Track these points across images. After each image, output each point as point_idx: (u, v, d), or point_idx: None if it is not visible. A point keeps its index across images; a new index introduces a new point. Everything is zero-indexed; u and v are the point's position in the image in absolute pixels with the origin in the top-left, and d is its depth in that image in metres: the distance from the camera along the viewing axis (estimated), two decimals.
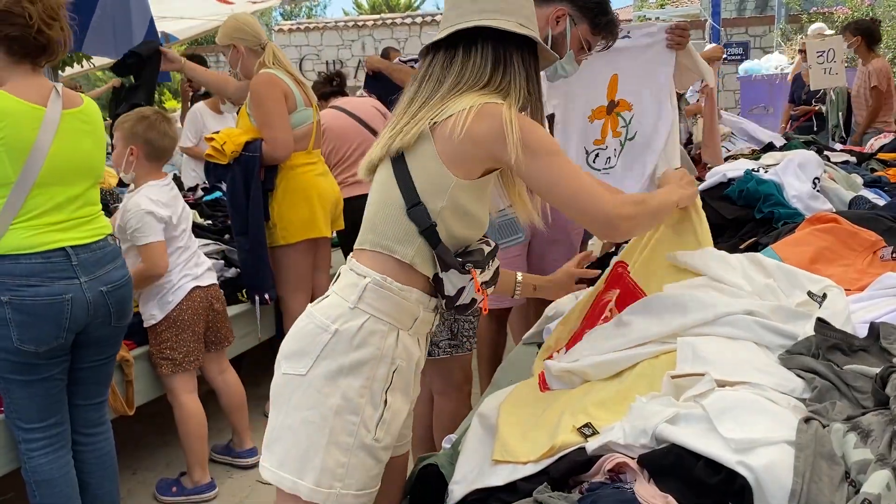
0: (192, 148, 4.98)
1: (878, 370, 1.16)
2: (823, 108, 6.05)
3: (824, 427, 1.08)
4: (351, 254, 1.48)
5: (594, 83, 2.63)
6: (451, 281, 1.40)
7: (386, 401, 1.38)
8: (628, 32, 2.62)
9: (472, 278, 1.40)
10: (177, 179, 4.82)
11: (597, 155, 2.81)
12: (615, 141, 2.76)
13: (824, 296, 1.44)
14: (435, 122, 1.38)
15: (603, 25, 2.25)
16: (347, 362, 1.36)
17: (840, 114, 6.14)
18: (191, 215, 3.07)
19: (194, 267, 2.98)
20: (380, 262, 1.41)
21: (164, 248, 2.83)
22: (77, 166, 2.29)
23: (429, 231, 1.38)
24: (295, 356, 1.41)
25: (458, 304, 1.43)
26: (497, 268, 1.50)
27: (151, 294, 2.89)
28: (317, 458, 1.34)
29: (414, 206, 1.39)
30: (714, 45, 4.70)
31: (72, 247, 2.24)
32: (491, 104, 1.37)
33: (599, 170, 2.76)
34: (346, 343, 1.37)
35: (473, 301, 1.44)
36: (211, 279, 3.06)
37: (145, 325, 2.92)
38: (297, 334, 1.44)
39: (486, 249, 1.46)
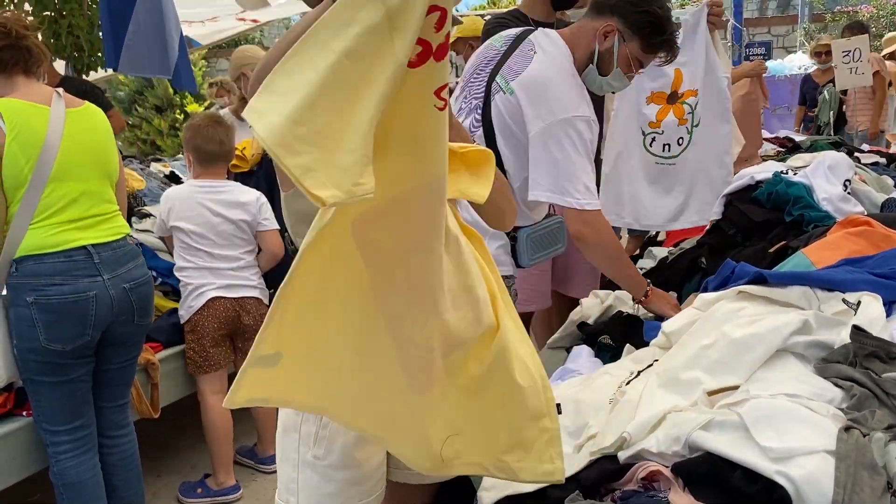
0: None
1: None
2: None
3: (865, 436, 1.05)
4: None
5: (654, 68, 2.52)
6: None
7: (322, 417, 1.34)
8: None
9: None
10: None
11: (653, 139, 2.81)
12: (681, 129, 2.75)
13: (859, 303, 1.40)
14: None
15: (657, 45, 2.08)
16: None
17: (832, 112, 6.07)
18: (239, 226, 3.00)
19: (224, 277, 2.96)
20: None
21: (168, 244, 3.01)
22: (88, 160, 2.32)
23: None
24: None
25: None
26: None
27: (183, 291, 2.98)
28: (280, 471, 1.39)
29: None
30: (757, 60, 4.66)
31: (93, 245, 2.27)
32: None
33: (657, 156, 2.74)
34: None
35: None
36: (246, 292, 3.01)
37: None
38: None
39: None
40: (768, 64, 9.45)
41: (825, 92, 5.77)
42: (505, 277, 2.19)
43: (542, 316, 2.92)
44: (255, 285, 3.05)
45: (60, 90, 2.33)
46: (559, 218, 2.16)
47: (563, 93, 2.02)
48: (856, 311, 1.41)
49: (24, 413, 2.42)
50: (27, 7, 3.91)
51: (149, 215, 3.45)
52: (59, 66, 4.20)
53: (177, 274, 2.99)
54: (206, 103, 11.02)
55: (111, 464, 2.52)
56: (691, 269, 2.35)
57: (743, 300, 1.53)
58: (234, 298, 2.97)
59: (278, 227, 3.06)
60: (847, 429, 1.06)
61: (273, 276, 3.41)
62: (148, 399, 2.82)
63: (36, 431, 2.39)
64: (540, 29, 2.21)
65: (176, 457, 3.44)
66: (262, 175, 3.35)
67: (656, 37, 2.05)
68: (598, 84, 2.13)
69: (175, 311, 3.03)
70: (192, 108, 11.99)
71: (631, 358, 1.68)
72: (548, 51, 2.09)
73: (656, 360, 1.48)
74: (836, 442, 1.02)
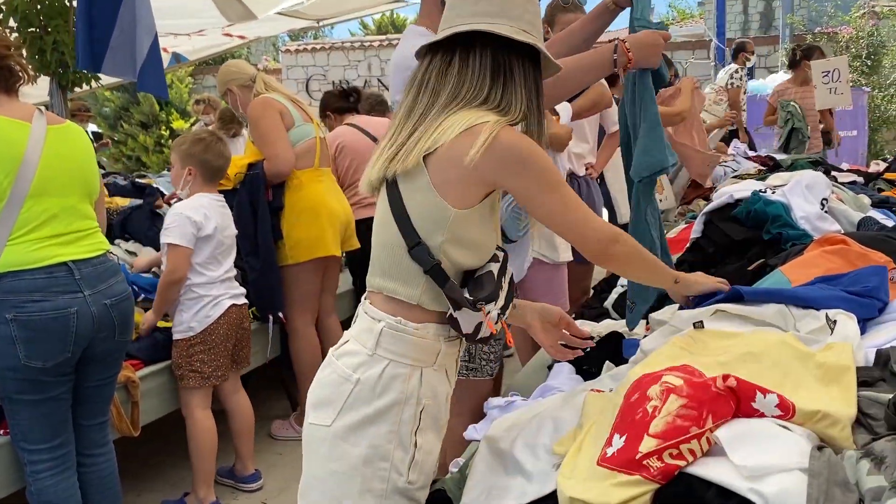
0: None
1: (890, 396, 1.15)
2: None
3: (837, 454, 1.06)
4: (364, 295, 1.45)
5: None
6: (466, 319, 1.35)
7: (416, 442, 1.35)
8: None
9: (485, 315, 1.34)
10: None
11: None
12: None
13: (835, 321, 1.42)
14: (428, 151, 1.32)
15: None
16: (372, 411, 1.33)
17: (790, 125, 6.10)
18: (233, 241, 3.09)
19: (231, 287, 3.04)
20: (391, 305, 1.37)
21: (187, 256, 2.87)
22: (69, 177, 2.31)
23: (434, 270, 1.32)
24: (321, 406, 1.39)
25: (478, 338, 1.38)
26: (510, 283, 1.43)
27: (188, 306, 2.92)
28: None
29: (414, 245, 1.33)
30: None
31: (73, 261, 2.26)
32: (486, 124, 1.29)
33: None
34: (369, 392, 1.34)
35: (493, 333, 1.38)
36: (244, 300, 3.12)
37: (176, 337, 2.95)
38: (320, 382, 1.41)
39: (496, 269, 1.38)
40: (750, 84, 9.60)
41: (788, 108, 5.81)
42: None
43: (525, 333, 2.91)
44: (243, 292, 3.14)
45: (42, 108, 2.33)
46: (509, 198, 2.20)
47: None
48: (832, 329, 1.43)
49: (1, 431, 2.39)
50: (12, 23, 3.90)
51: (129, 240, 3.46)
52: (44, 82, 4.18)
53: (189, 288, 2.90)
54: (191, 120, 11.03)
55: (90, 483, 2.48)
56: None
57: (721, 319, 1.55)
58: (240, 306, 3.07)
59: None
60: (820, 447, 1.07)
61: (257, 296, 3.42)
62: (128, 417, 2.79)
63: (11, 451, 2.36)
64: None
65: (156, 475, 3.40)
66: (245, 192, 3.37)
67: None
68: None
69: (156, 328, 3.00)
70: (178, 124, 11.98)
71: (610, 375, 1.69)
72: (398, 48, 2.13)
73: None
74: (808, 460, 1.03)
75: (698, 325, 1.49)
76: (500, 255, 1.42)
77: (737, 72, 7.07)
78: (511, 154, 1.29)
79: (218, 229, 2.93)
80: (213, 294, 2.94)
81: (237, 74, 3.59)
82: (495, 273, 1.38)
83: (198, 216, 2.87)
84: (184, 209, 2.88)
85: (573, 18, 2.78)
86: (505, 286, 1.40)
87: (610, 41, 1.88)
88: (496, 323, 1.38)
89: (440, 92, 1.35)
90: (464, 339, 1.39)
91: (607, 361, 1.83)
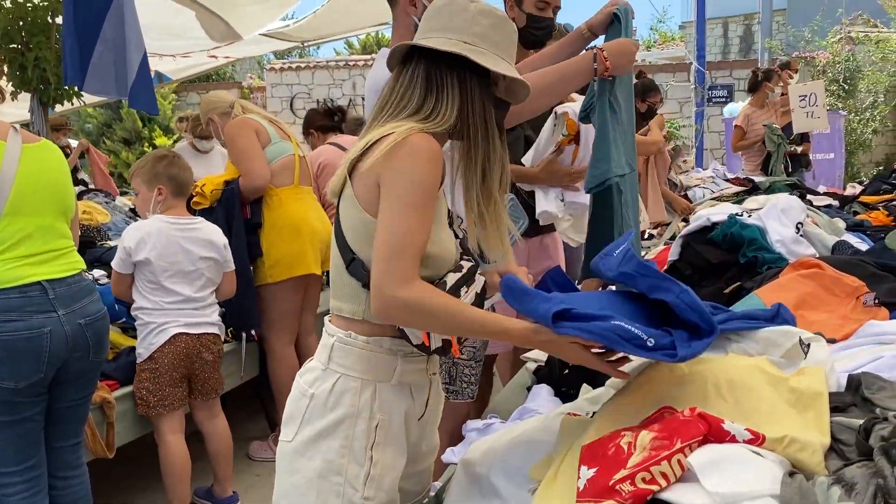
0: None
1: (861, 421, 1.16)
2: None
3: (809, 480, 1.07)
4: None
5: None
6: (412, 330, 1.33)
7: (371, 458, 1.34)
8: None
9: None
10: None
11: None
12: None
13: (808, 346, 1.43)
14: (353, 163, 1.32)
15: None
16: (325, 425, 1.35)
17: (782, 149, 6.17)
18: (207, 265, 2.99)
19: (190, 315, 2.93)
20: (343, 320, 1.39)
21: (122, 282, 2.89)
22: (44, 195, 2.29)
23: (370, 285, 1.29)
24: (286, 422, 1.42)
25: (432, 350, 1.36)
26: (479, 290, 1.38)
27: (139, 331, 2.90)
28: None
29: (350, 261, 1.34)
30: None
31: (48, 281, 2.23)
32: (398, 131, 1.29)
33: None
34: (322, 406, 1.36)
35: (448, 344, 1.36)
36: (207, 329, 2.99)
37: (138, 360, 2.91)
38: (288, 401, 1.44)
39: (452, 280, 1.33)
40: (729, 106, 9.73)
41: (771, 132, 5.89)
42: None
43: (505, 356, 2.93)
44: (214, 322, 3.04)
45: (17, 125, 2.31)
46: (510, 196, 2.22)
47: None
48: (806, 353, 1.44)
49: None
50: None
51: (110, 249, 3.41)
52: (25, 98, 4.17)
53: (135, 313, 2.90)
54: (175, 136, 10.98)
55: None
56: None
57: None
58: (196, 335, 2.94)
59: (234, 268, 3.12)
60: (791, 473, 1.07)
61: (231, 314, 3.38)
62: (103, 438, 2.75)
63: None
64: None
65: (130, 498, 3.35)
66: (221, 211, 3.36)
67: None
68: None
69: (133, 349, 2.97)
70: (161, 141, 11.94)
71: (587, 399, 1.69)
72: (372, 71, 2.14)
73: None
74: (780, 486, 1.03)
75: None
76: (466, 265, 1.39)
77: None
78: (401, 150, 1.28)
79: (161, 255, 2.85)
80: (158, 321, 2.86)
81: (217, 103, 3.69)
82: (450, 283, 1.34)
83: (130, 242, 2.83)
84: (125, 232, 2.90)
85: None
86: (466, 297, 1.35)
87: (588, 49, 1.96)
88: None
89: (383, 106, 1.39)
90: (430, 354, 1.38)
91: (584, 384, 1.84)
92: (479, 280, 1.39)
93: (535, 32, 2.48)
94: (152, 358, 2.86)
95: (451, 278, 1.34)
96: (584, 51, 2.01)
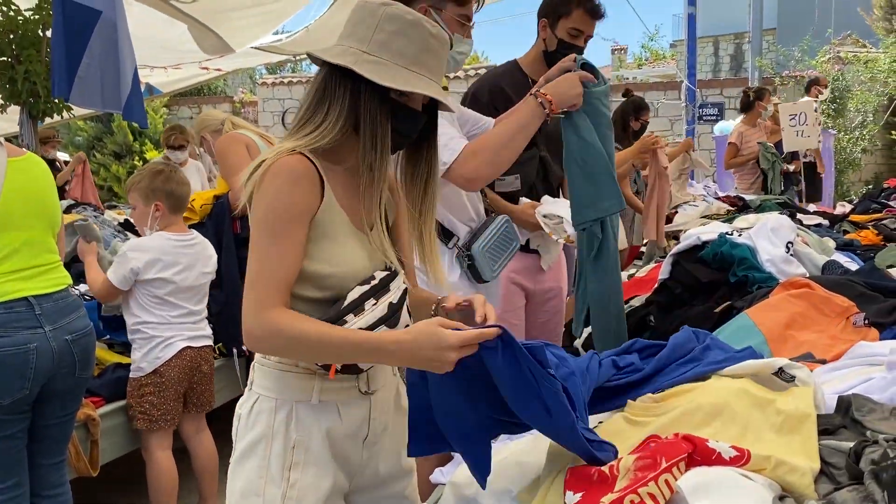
0: None
1: (852, 444, 1.15)
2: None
3: None
4: None
5: None
6: None
7: (289, 478, 1.31)
8: None
9: None
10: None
11: None
12: None
13: (793, 377, 1.41)
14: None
15: None
16: (245, 445, 1.35)
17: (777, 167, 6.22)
18: (206, 279, 3.02)
19: (191, 329, 2.93)
20: None
21: (116, 294, 2.86)
22: (31, 209, 2.27)
23: None
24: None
25: (334, 370, 1.31)
26: (395, 300, 1.32)
27: (140, 345, 2.85)
28: None
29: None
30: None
31: (34, 296, 2.21)
32: (272, 160, 1.27)
33: None
34: (245, 426, 1.36)
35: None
36: (206, 342, 3.01)
37: (130, 375, 2.87)
38: None
39: (356, 294, 1.29)
40: (719, 124, 9.80)
41: (766, 150, 5.93)
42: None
43: None
44: (209, 335, 3.05)
45: (2, 138, 2.30)
46: (503, 217, 2.21)
47: None
48: (789, 382, 1.42)
49: None
50: None
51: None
52: (14, 111, 4.14)
53: (137, 327, 2.85)
54: (165, 150, 10.95)
55: None
56: (640, 326, 2.39)
57: None
58: (198, 348, 2.96)
59: None
60: (781, 497, 1.06)
61: (221, 330, 3.36)
62: (86, 456, 2.71)
63: None
64: None
65: None
66: (211, 224, 3.36)
67: None
68: (451, 60, 2.11)
69: (120, 364, 2.94)
70: (152, 154, 11.91)
71: None
72: None
73: (601, 423, 1.48)
74: None
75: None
76: (379, 275, 1.33)
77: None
78: (265, 175, 1.27)
79: (170, 273, 2.83)
80: (164, 335, 2.85)
81: (209, 122, 3.77)
82: (351, 299, 1.29)
83: (138, 262, 2.79)
84: (131, 249, 2.83)
85: None
86: (375, 309, 1.30)
87: (530, 94, 2.01)
88: None
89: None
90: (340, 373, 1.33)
91: None
92: (397, 289, 1.34)
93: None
94: (157, 372, 2.83)
95: (356, 292, 1.30)
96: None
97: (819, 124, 5.80)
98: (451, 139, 2.00)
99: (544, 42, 2.53)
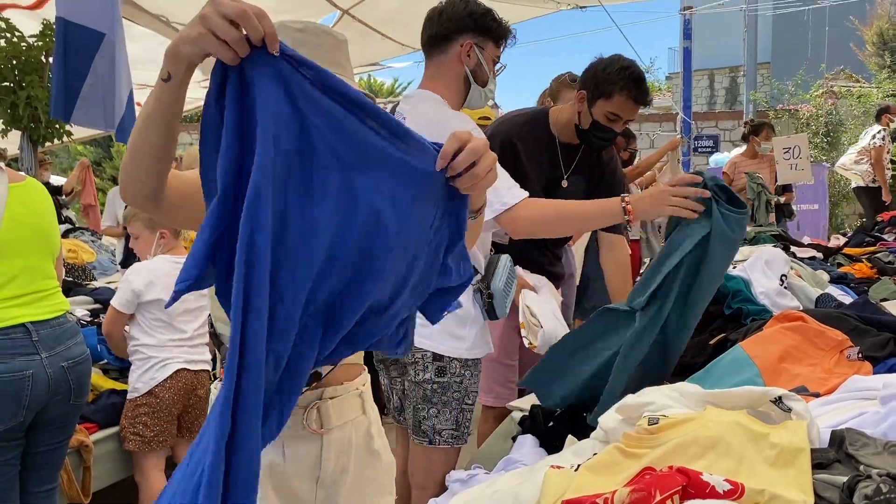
0: (114, 228, 5.03)
1: (845, 479, 1.15)
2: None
3: None
4: None
5: None
6: None
7: None
8: None
9: None
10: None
11: None
12: None
13: (790, 409, 1.42)
14: None
15: (501, 34, 2.13)
16: None
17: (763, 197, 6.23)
18: (206, 301, 2.97)
19: (189, 352, 2.94)
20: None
21: (121, 321, 2.86)
22: (30, 236, 2.29)
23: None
24: None
25: None
26: None
27: (137, 366, 2.86)
28: None
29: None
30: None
31: (32, 323, 2.21)
32: None
33: None
34: None
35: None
36: (203, 366, 3.00)
37: (127, 397, 2.88)
38: None
39: None
40: (714, 156, 9.89)
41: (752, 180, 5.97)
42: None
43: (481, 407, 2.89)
44: (207, 359, 3.05)
45: (2, 164, 2.32)
46: (507, 256, 2.20)
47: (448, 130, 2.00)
48: (786, 412, 1.43)
49: None
50: None
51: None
52: (15, 136, 4.18)
53: (136, 348, 2.87)
54: None
55: None
56: None
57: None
58: (195, 371, 2.96)
59: None
60: None
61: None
62: (79, 483, 2.69)
63: None
64: (404, 96, 2.26)
65: None
66: None
67: (497, 28, 2.11)
68: (479, 96, 2.15)
69: (114, 391, 2.93)
70: None
71: (572, 450, 1.67)
72: (416, 110, 2.09)
73: (595, 454, 1.48)
74: None
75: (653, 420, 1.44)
76: None
77: (879, 132, 7.22)
78: None
79: (170, 293, 2.84)
80: (161, 357, 2.86)
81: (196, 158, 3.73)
82: None
83: (139, 284, 2.82)
84: (131, 273, 2.86)
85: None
86: None
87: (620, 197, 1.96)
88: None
89: None
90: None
91: (570, 436, 1.82)
92: None
93: (595, 140, 2.46)
94: (152, 393, 2.84)
95: None
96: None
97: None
98: (513, 185, 2.04)
99: (578, 115, 2.45)
